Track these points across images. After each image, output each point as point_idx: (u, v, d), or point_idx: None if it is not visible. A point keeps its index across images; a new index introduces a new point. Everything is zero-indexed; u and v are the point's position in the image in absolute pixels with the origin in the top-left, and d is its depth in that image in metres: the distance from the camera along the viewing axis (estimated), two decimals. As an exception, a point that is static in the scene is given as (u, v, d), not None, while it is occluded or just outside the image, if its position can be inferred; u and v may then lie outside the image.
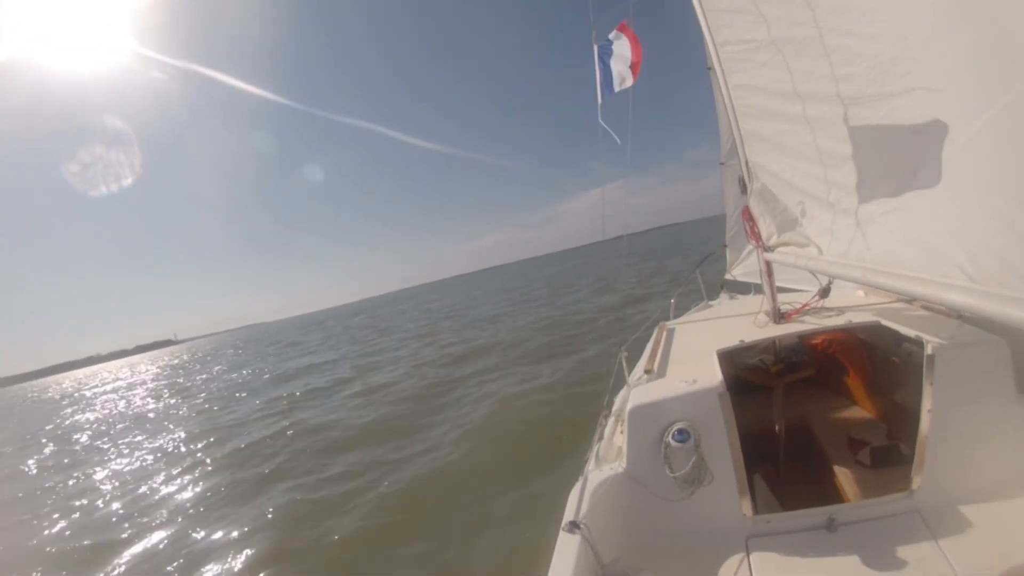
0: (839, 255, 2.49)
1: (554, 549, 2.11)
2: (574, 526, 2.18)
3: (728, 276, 6.00)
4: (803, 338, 3.39)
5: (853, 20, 2.01)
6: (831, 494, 2.82)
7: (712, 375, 2.61)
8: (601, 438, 3.33)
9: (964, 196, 1.64)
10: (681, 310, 5.32)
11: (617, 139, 5.13)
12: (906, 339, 2.63)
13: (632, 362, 4.50)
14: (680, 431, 2.40)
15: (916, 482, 2.31)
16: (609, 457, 3.00)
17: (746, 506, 2.46)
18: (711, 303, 5.60)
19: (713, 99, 5.19)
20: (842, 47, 2.14)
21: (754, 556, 2.28)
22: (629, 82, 4.84)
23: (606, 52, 4.98)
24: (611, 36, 4.94)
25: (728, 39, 3.02)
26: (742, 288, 5.76)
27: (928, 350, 2.26)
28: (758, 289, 5.31)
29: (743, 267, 5.73)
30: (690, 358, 3.06)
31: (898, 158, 2.08)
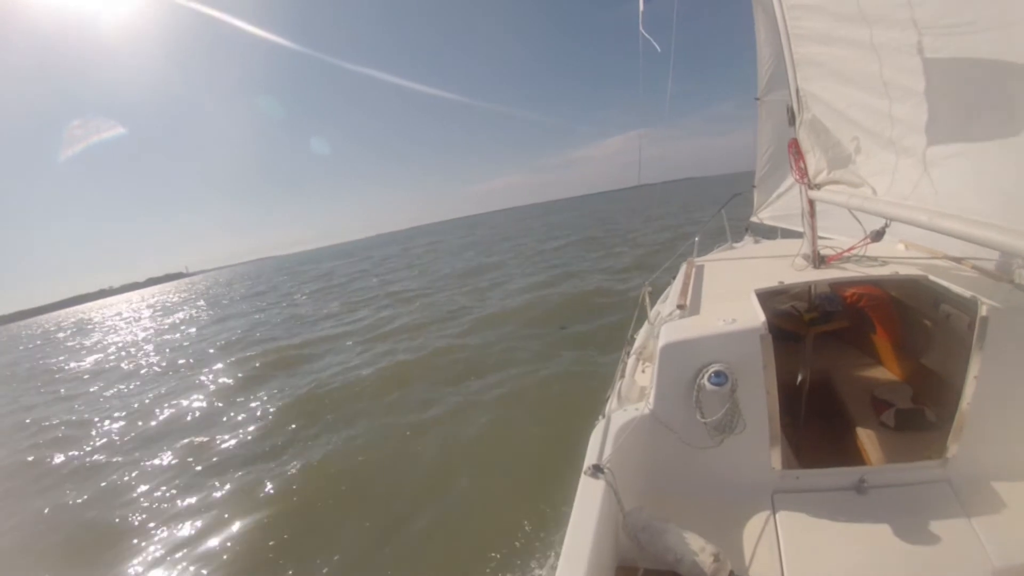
0: (897, 196, 2.32)
1: (576, 493, 2.03)
2: (597, 470, 2.08)
3: (754, 219, 5.77)
4: (837, 287, 3.23)
5: None
6: (852, 454, 2.75)
7: (753, 316, 2.43)
8: (623, 376, 3.23)
9: None
10: (704, 249, 5.13)
11: (658, 47, 4.64)
12: (951, 299, 2.46)
13: (654, 300, 4.35)
14: (717, 373, 2.27)
15: (952, 450, 2.19)
16: (632, 397, 2.90)
17: (776, 459, 2.36)
18: (735, 245, 5.42)
19: (753, 27, 4.81)
20: None
21: (780, 514, 2.20)
22: None
23: None
24: None
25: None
26: (767, 233, 5.56)
27: (983, 312, 2.10)
28: (785, 233, 5.13)
29: (771, 210, 5.48)
30: (725, 296, 2.89)
31: (974, 96, 1.89)
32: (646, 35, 4.61)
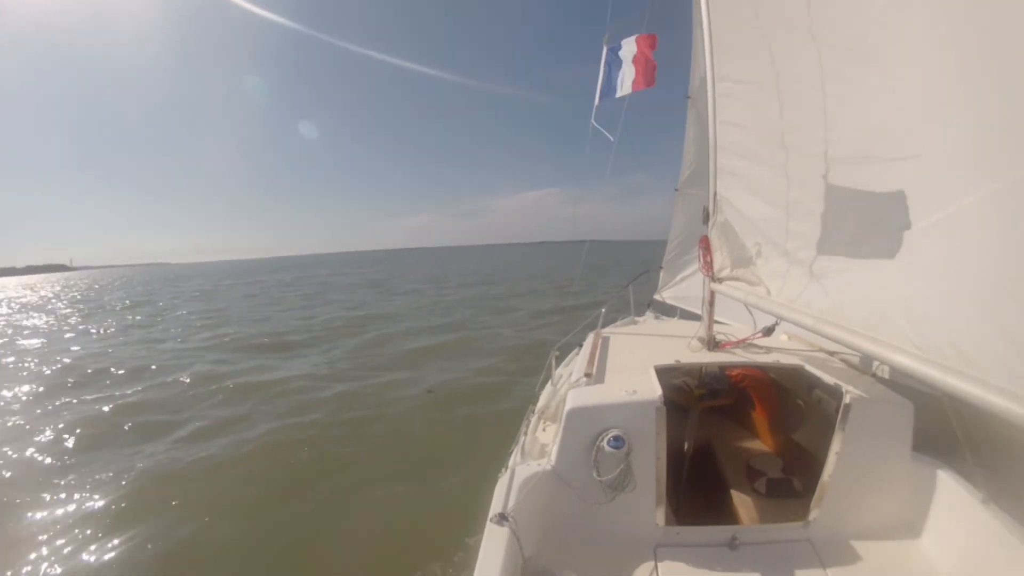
0: (787, 299, 2.69)
1: (482, 539, 2.15)
2: (502, 518, 2.21)
3: (657, 296, 6.29)
4: (725, 368, 3.63)
5: (861, 89, 2.15)
6: (727, 515, 3.05)
7: (651, 389, 2.71)
8: (526, 432, 3.39)
9: (916, 271, 1.83)
10: (608, 322, 5.50)
11: (610, 137, 5.25)
12: (822, 386, 2.89)
13: (559, 362, 4.59)
14: (616, 437, 2.49)
15: (813, 514, 2.56)
16: (534, 453, 3.06)
17: (660, 516, 2.60)
18: (637, 319, 5.83)
19: (684, 127, 5.40)
20: (842, 111, 2.30)
21: (662, 564, 2.42)
22: (629, 89, 4.91)
23: (614, 57, 5.02)
24: (624, 42, 4.98)
25: (729, 75, 3.15)
26: (668, 310, 6.05)
27: (846, 399, 2.50)
28: (683, 314, 5.65)
29: (674, 291, 6.03)
30: (627, 368, 3.16)
31: (862, 224, 2.27)
32: (598, 126, 5.26)
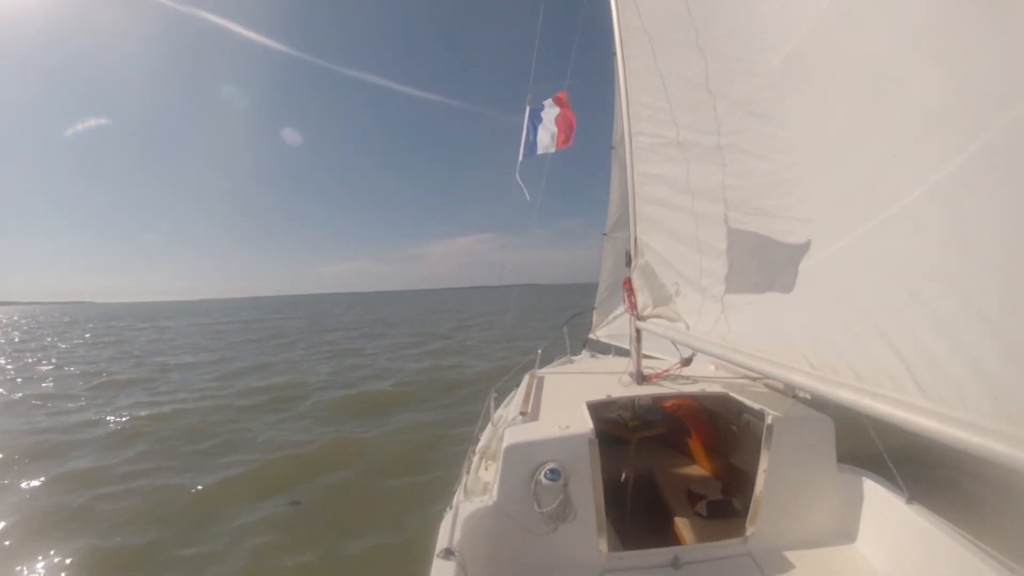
0: (703, 332, 2.94)
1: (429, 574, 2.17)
2: (449, 553, 2.26)
3: (592, 336, 6.57)
4: (658, 400, 3.85)
5: (752, 143, 2.47)
6: (671, 539, 3.19)
7: (583, 423, 2.87)
8: (468, 472, 3.46)
9: (813, 301, 2.08)
10: (545, 362, 5.68)
11: (528, 196, 5.57)
12: (748, 410, 3.15)
13: (498, 403, 4.73)
14: (552, 470, 2.61)
15: (750, 530, 2.76)
16: (477, 490, 3.12)
17: (603, 543, 2.71)
18: (574, 358, 6.05)
19: (609, 176, 5.80)
20: (737, 161, 2.61)
21: None
22: (552, 148, 5.29)
23: (536, 116, 5.40)
24: (545, 103, 5.39)
25: (644, 131, 3.48)
26: (602, 348, 6.32)
27: (768, 420, 2.76)
28: (618, 351, 5.90)
29: (607, 330, 6.32)
30: (561, 406, 3.32)
31: (764, 261, 2.54)
32: (520, 183, 5.57)
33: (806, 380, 1.86)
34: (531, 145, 5.44)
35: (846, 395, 1.63)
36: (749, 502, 2.87)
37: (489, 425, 4.22)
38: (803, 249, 2.14)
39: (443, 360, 18.05)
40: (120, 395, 13.59)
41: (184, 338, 32.67)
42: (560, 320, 7.26)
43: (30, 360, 22.07)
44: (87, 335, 36.86)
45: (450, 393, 12.19)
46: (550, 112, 5.36)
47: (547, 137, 5.31)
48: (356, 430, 9.52)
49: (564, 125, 5.26)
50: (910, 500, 2.57)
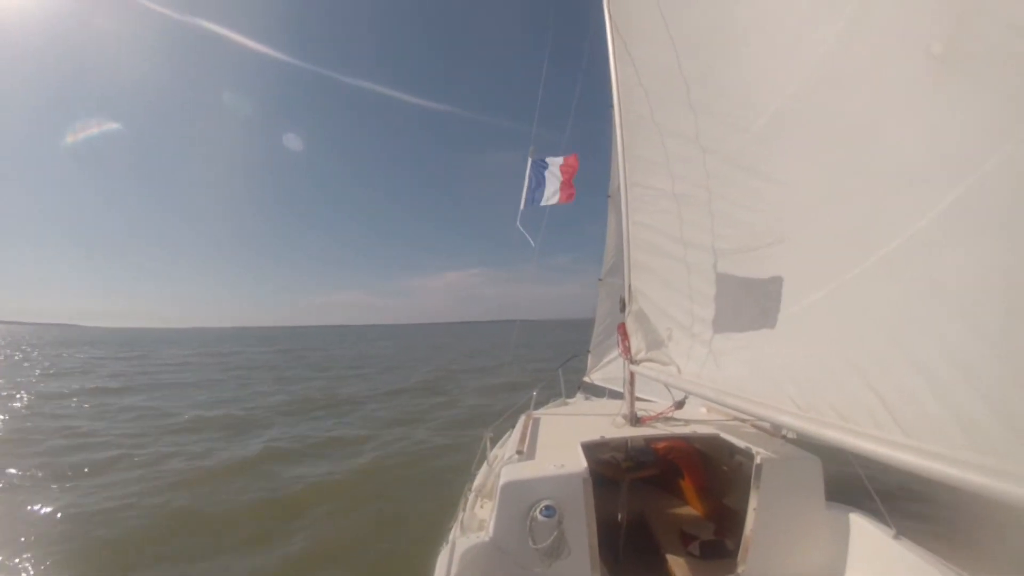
0: (694, 376, 3.01)
1: None
2: None
3: (586, 379, 6.60)
4: (650, 442, 3.88)
5: (740, 196, 2.63)
6: None
7: (578, 463, 2.93)
8: (464, 509, 3.47)
9: (798, 345, 2.18)
10: (540, 403, 5.72)
11: (532, 243, 5.82)
12: (738, 451, 3.21)
13: (494, 443, 4.74)
14: (547, 507, 2.65)
15: (741, 568, 2.80)
16: (472, 527, 3.13)
17: None
18: (568, 400, 6.07)
19: (606, 223, 5.97)
20: (726, 212, 2.76)
21: None
22: (556, 200, 5.52)
23: (541, 168, 5.65)
24: (549, 160, 5.67)
25: (639, 182, 3.65)
26: (597, 391, 6.35)
27: (757, 460, 2.84)
28: (612, 394, 5.96)
29: (601, 373, 6.37)
30: (556, 445, 3.38)
31: (752, 308, 2.65)
32: (523, 230, 5.82)
33: (793, 421, 1.94)
34: (532, 197, 5.66)
35: (831, 434, 1.70)
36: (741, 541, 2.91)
37: (485, 464, 4.25)
38: (788, 296, 2.26)
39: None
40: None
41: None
42: (555, 363, 7.31)
43: None
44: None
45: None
46: (554, 167, 5.61)
47: (552, 189, 5.55)
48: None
49: (567, 183, 5.50)
50: (898, 535, 2.62)
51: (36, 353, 39.37)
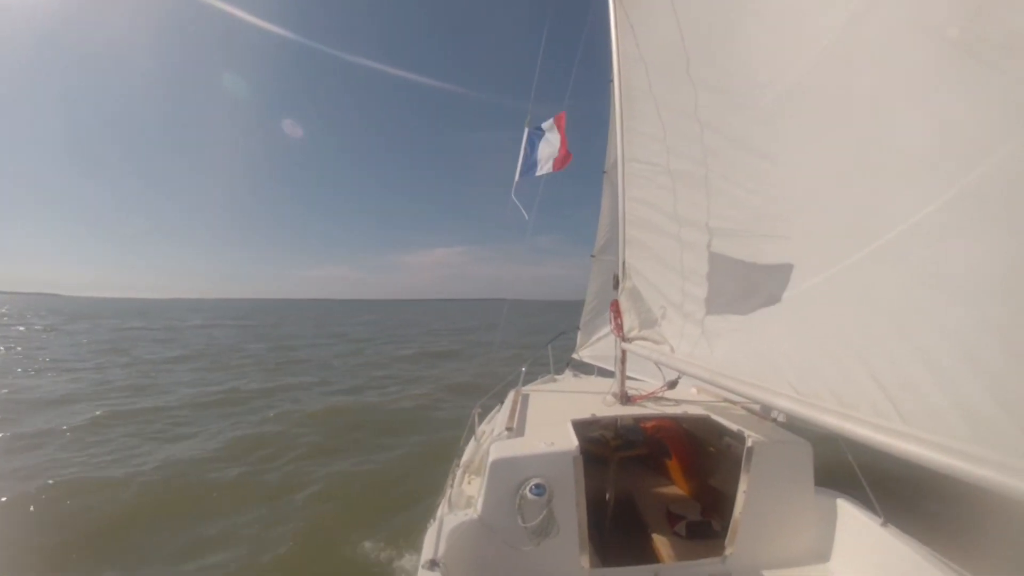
0: (687, 356, 3.00)
1: None
2: (434, 564, 2.29)
3: (575, 356, 6.61)
4: (639, 421, 3.90)
5: (740, 175, 2.57)
6: (650, 557, 3.22)
7: (568, 440, 2.91)
8: (452, 485, 3.47)
9: (797, 329, 2.15)
10: (528, 380, 5.72)
11: (526, 215, 5.75)
12: (728, 433, 3.22)
13: (482, 419, 4.74)
14: (537, 485, 2.64)
15: (729, 550, 2.83)
16: (460, 504, 3.13)
17: (585, 559, 2.75)
18: (557, 377, 6.08)
19: (600, 199, 5.90)
20: (724, 191, 2.71)
21: None
22: (549, 169, 5.41)
23: (536, 136, 5.53)
24: (544, 125, 5.52)
25: (637, 157, 3.58)
26: (585, 368, 6.37)
27: (748, 443, 2.83)
28: (600, 371, 5.95)
29: (590, 350, 6.38)
30: (546, 423, 3.35)
31: (749, 290, 2.62)
32: (517, 203, 5.78)
33: (791, 405, 1.93)
34: (527, 166, 5.56)
35: (830, 420, 1.70)
36: (727, 523, 2.93)
37: (473, 440, 4.24)
38: (787, 279, 2.22)
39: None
40: None
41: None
42: (541, 344, 7.29)
43: None
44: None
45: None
46: (548, 134, 5.50)
47: (547, 154, 5.44)
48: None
49: (561, 149, 5.40)
50: (885, 522, 2.66)
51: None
